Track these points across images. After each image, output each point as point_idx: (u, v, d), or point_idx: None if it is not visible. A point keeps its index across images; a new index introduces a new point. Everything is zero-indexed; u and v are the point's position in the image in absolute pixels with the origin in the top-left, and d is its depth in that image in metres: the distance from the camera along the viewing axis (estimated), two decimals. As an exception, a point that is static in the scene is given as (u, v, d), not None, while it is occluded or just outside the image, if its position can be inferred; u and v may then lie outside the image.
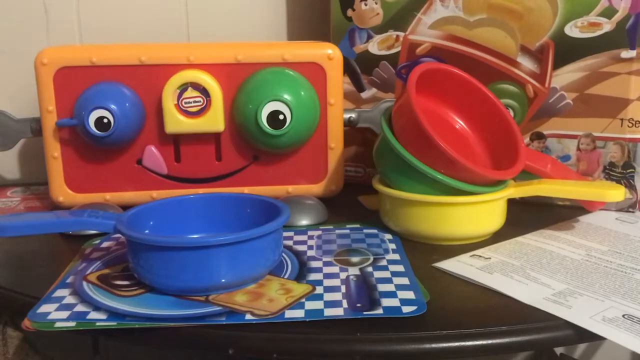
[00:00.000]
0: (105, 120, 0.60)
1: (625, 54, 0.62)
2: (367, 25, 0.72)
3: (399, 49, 0.71)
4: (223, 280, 0.46)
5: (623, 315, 0.43)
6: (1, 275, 0.52)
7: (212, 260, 0.45)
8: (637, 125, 0.63)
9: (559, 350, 0.88)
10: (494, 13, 0.65)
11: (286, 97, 0.62)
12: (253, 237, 0.46)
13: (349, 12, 0.73)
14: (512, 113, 0.66)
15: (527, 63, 0.65)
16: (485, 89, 0.61)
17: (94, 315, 0.43)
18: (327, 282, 0.48)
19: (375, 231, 0.60)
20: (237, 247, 0.46)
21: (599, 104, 0.64)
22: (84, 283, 0.49)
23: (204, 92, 0.62)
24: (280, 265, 0.52)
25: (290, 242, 0.57)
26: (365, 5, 0.71)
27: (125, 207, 0.60)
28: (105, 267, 0.52)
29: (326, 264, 0.52)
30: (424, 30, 0.69)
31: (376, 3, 0.71)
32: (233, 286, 0.47)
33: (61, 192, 0.65)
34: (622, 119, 0.63)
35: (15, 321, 0.62)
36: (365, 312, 0.43)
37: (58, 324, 0.42)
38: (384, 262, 0.52)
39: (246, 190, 0.66)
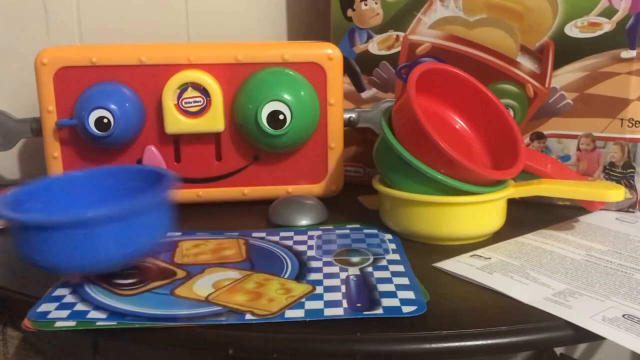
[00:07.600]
0: (105, 120, 0.60)
1: (625, 54, 0.62)
2: (367, 25, 0.72)
3: (399, 49, 0.71)
4: (110, 256, 0.45)
5: (623, 315, 0.43)
6: (1, 276, 0.52)
7: (94, 236, 0.44)
8: (637, 125, 0.63)
9: (559, 350, 0.88)
10: (494, 13, 0.65)
11: (286, 97, 0.62)
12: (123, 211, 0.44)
13: (349, 12, 0.73)
14: (512, 113, 0.66)
15: (527, 63, 0.65)
16: (485, 89, 0.61)
17: (94, 314, 0.43)
18: (327, 282, 0.48)
19: (375, 231, 0.60)
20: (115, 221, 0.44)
21: (599, 104, 0.64)
22: (84, 282, 0.49)
23: (204, 92, 0.62)
24: (280, 265, 0.52)
25: (290, 242, 0.57)
26: (365, 5, 0.71)
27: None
28: (105, 267, 0.52)
29: (326, 264, 0.52)
30: (424, 30, 0.69)
31: (376, 3, 0.71)
32: (121, 262, 0.46)
33: (61, 192, 0.65)
34: (622, 119, 0.63)
35: (15, 321, 0.62)
36: (365, 312, 0.43)
37: (58, 324, 0.42)
38: (384, 262, 0.52)
39: (246, 190, 0.67)
